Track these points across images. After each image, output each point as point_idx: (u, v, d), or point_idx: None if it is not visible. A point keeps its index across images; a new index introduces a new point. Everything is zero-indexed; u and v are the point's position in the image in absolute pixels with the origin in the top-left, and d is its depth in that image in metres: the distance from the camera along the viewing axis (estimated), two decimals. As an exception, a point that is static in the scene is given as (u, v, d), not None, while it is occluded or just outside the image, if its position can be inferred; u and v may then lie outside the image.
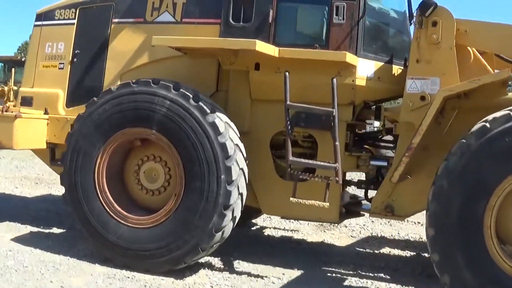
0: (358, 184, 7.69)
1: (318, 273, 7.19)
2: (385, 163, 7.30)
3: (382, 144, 7.85)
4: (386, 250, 8.66)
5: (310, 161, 6.65)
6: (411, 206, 6.88)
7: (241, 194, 6.52)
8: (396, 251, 8.59)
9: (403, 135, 6.80)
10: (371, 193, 7.41)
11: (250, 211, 7.79)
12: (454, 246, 5.57)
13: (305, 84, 6.85)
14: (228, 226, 6.54)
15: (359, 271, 7.35)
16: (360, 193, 8.45)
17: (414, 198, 6.78)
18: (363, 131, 7.92)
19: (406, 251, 8.62)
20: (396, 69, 7.24)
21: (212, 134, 6.33)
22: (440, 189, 5.65)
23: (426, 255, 8.00)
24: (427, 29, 6.53)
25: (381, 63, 7.10)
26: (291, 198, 6.47)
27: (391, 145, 7.56)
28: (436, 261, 5.70)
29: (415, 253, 8.45)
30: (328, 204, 6.43)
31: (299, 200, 6.45)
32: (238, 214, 6.63)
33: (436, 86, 6.47)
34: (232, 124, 6.61)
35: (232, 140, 6.43)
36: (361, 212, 7.79)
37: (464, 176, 5.57)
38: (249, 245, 8.42)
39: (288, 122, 6.50)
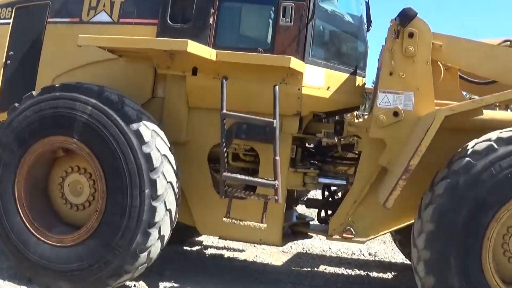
0: (307, 204, 7.01)
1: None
2: (336, 182, 6.84)
3: (337, 161, 7.23)
4: (322, 267, 8.27)
5: (246, 177, 5.97)
6: (373, 228, 6.36)
7: (169, 211, 5.82)
8: (331, 269, 8.22)
9: (367, 152, 6.30)
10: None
11: (191, 228, 7.08)
12: (451, 248, 5.12)
13: (248, 92, 6.24)
14: (154, 246, 5.84)
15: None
16: (311, 213, 7.77)
17: (377, 220, 6.31)
18: (312, 145, 7.21)
19: (342, 268, 8.26)
20: (350, 79, 6.63)
21: (136, 144, 5.66)
22: (454, 185, 5.15)
23: (364, 273, 8.02)
24: (402, 40, 5.97)
25: (332, 71, 6.49)
26: (224, 218, 5.82)
27: (347, 162, 7.08)
28: (426, 259, 5.20)
29: (351, 271, 8.13)
30: (265, 225, 5.79)
31: (233, 220, 5.77)
32: (166, 233, 5.93)
33: (410, 102, 5.97)
34: (161, 133, 5.93)
35: (158, 150, 5.74)
36: (308, 234, 7.10)
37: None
38: (180, 262, 7.85)
39: (224, 133, 5.85)
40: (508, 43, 6.45)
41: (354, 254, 9.06)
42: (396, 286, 7.73)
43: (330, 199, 7.15)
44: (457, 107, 5.51)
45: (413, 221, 5.83)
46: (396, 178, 5.43)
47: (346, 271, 8.10)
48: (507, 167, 5.02)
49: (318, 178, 6.70)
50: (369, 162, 6.27)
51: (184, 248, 8.62)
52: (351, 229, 6.31)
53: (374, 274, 8.15)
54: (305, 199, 7.26)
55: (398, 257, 9.10)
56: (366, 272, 8.17)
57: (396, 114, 5.97)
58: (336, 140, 6.73)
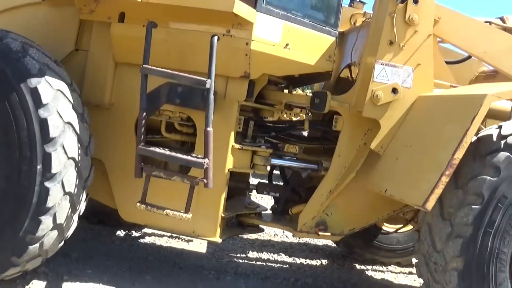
0: (259, 188, 5.72)
1: (171, 280, 5.69)
2: (296, 164, 5.68)
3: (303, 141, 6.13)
4: (250, 254, 7.31)
5: (166, 152, 4.58)
6: (349, 222, 5.54)
7: (68, 194, 4.47)
8: (261, 255, 7.35)
9: (347, 133, 5.39)
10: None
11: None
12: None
13: (184, 46, 4.93)
14: (49, 237, 4.50)
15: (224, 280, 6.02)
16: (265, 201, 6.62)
17: (354, 212, 5.53)
18: (269, 119, 5.90)
19: (271, 254, 7.45)
20: (317, 36, 5.29)
21: (31, 106, 4.27)
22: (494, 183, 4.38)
23: (294, 260, 7.31)
24: (406, 6, 5.07)
25: (293, 25, 5.11)
26: (137, 204, 4.49)
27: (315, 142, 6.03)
28: (460, 268, 4.42)
29: (278, 256, 7.37)
30: (189, 216, 4.48)
31: (148, 207, 4.44)
32: (66, 221, 4.59)
33: (409, 78, 5.15)
34: (71, 93, 4.56)
35: (60, 116, 4.36)
36: (260, 227, 5.85)
37: None
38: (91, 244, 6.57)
39: (145, 94, 4.58)
40: (488, 23, 6.01)
41: (287, 237, 8.34)
42: (327, 273, 6.98)
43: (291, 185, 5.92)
44: (505, 94, 4.57)
45: (390, 213, 5.50)
46: (400, 167, 4.82)
47: (274, 257, 7.31)
48: None
49: (271, 159, 5.40)
50: (349, 145, 5.37)
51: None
52: (325, 223, 5.44)
53: (302, 260, 7.40)
54: (257, 183, 5.91)
55: (323, 241, 8.37)
56: (293, 258, 7.42)
57: (395, 91, 5.08)
58: (304, 116, 5.62)
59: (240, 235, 6.43)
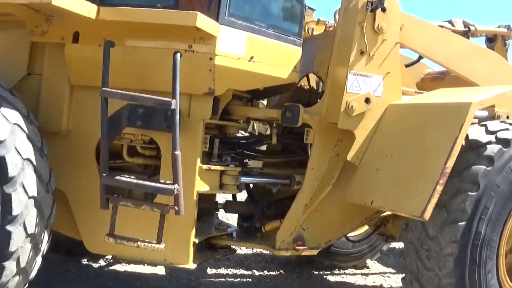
0: (227, 208, 5.56)
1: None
2: (264, 180, 5.55)
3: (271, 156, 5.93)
4: (210, 271, 7.08)
5: (133, 180, 4.29)
6: (325, 235, 5.46)
7: (31, 236, 4.13)
8: (221, 270, 7.18)
9: (319, 145, 5.23)
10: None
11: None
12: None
13: (144, 65, 4.65)
14: (13, 282, 4.18)
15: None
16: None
17: (329, 224, 5.44)
18: (233, 135, 5.68)
19: (229, 269, 7.27)
20: (282, 47, 5.08)
21: None
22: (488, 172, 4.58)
23: (253, 272, 7.17)
24: (375, 14, 5.04)
25: (257, 36, 4.88)
26: (105, 237, 4.21)
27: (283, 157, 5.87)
28: (456, 256, 4.54)
29: (240, 272, 7.22)
30: (162, 246, 4.19)
31: (118, 240, 4.17)
32: (30, 263, 4.28)
33: (379, 87, 5.14)
34: (27, 126, 4.22)
35: (19, 153, 4.02)
36: (232, 247, 5.65)
37: None
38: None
39: (106, 119, 4.29)
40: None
41: (241, 249, 8.05)
42: (287, 283, 6.98)
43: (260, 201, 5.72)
44: (487, 101, 4.75)
45: (363, 221, 5.59)
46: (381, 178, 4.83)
47: (232, 271, 7.20)
48: None
49: (241, 178, 5.18)
50: (322, 157, 5.23)
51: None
52: (303, 238, 5.32)
53: (260, 272, 7.31)
54: (224, 201, 5.68)
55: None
56: (251, 270, 7.31)
57: (368, 100, 5.05)
58: (270, 130, 5.58)
59: (210, 258, 6.14)
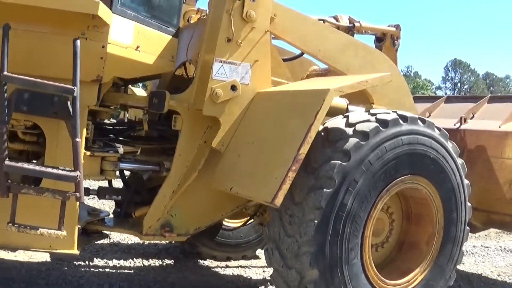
0: (100, 193, 5.48)
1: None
2: (140, 167, 5.50)
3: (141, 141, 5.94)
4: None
5: (37, 168, 4.18)
6: (194, 221, 5.42)
7: None
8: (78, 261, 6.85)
9: (187, 132, 5.24)
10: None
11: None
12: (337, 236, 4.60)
13: (31, 49, 4.50)
14: None
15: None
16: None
17: (198, 211, 5.40)
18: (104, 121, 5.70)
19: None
20: (162, 38, 5.22)
21: None
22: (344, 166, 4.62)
23: (107, 263, 6.89)
24: (243, 2, 5.06)
25: (143, 26, 4.97)
26: (8, 225, 4.05)
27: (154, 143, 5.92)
28: (311, 252, 4.54)
29: (93, 263, 6.91)
30: (65, 233, 4.16)
31: (21, 228, 4.04)
32: None
33: (247, 75, 5.15)
34: None
35: None
36: (103, 233, 5.64)
37: None
38: None
39: (5, 104, 4.09)
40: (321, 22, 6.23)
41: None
42: (142, 275, 6.66)
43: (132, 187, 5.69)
44: (346, 88, 4.74)
45: (234, 209, 5.50)
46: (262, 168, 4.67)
47: (86, 262, 6.86)
48: (392, 149, 4.78)
49: (122, 164, 5.21)
50: (190, 144, 5.24)
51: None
52: (171, 224, 5.28)
53: (115, 262, 7.05)
54: (97, 188, 5.60)
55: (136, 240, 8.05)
56: (105, 260, 7.06)
57: (234, 88, 5.07)
58: (143, 116, 5.52)
59: (88, 244, 5.95)
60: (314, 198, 4.48)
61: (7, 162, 3.98)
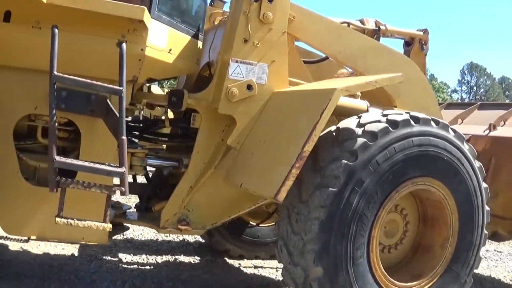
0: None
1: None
2: (165, 163, 5.65)
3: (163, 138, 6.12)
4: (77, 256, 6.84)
5: (86, 164, 4.38)
6: (211, 217, 5.51)
7: None
8: (88, 256, 6.88)
9: (206, 130, 5.39)
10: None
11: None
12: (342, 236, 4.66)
13: (73, 49, 4.67)
14: None
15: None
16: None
17: (214, 207, 5.49)
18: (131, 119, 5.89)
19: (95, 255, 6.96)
20: (191, 42, 5.46)
21: None
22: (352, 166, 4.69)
23: (120, 259, 6.93)
24: (260, 4, 5.18)
25: (175, 31, 5.23)
26: (57, 219, 4.26)
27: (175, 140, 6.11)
28: (316, 249, 4.62)
29: (107, 258, 6.94)
30: (110, 226, 4.42)
31: (68, 220, 4.25)
32: None
33: (264, 75, 5.25)
34: None
35: None
36: (125, 225, 5.82)
37: None
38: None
39: (54, 102, 4.31)
40: (346, 24, 6.34)
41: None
42: (155, 272, 6.75)
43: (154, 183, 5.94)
44: (353, 87, 4.90)
45: (251, 206, 5.34)
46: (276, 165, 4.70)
47: (99, 258, 6.89)
48: (401, 150, 4.82)
49: (148, 160, 5.43)
50: (208, 142, 5.40)
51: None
52: (187, 219, 5.41)
53: (128, 258, 7.09)
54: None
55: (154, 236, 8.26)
56: (118, 257, 7.10)
57: (250, 87, 5.20)
58: (163, 114, 5.75)
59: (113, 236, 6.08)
60: (320, 196, 4.60)
61: (57, 158, 4.20)
